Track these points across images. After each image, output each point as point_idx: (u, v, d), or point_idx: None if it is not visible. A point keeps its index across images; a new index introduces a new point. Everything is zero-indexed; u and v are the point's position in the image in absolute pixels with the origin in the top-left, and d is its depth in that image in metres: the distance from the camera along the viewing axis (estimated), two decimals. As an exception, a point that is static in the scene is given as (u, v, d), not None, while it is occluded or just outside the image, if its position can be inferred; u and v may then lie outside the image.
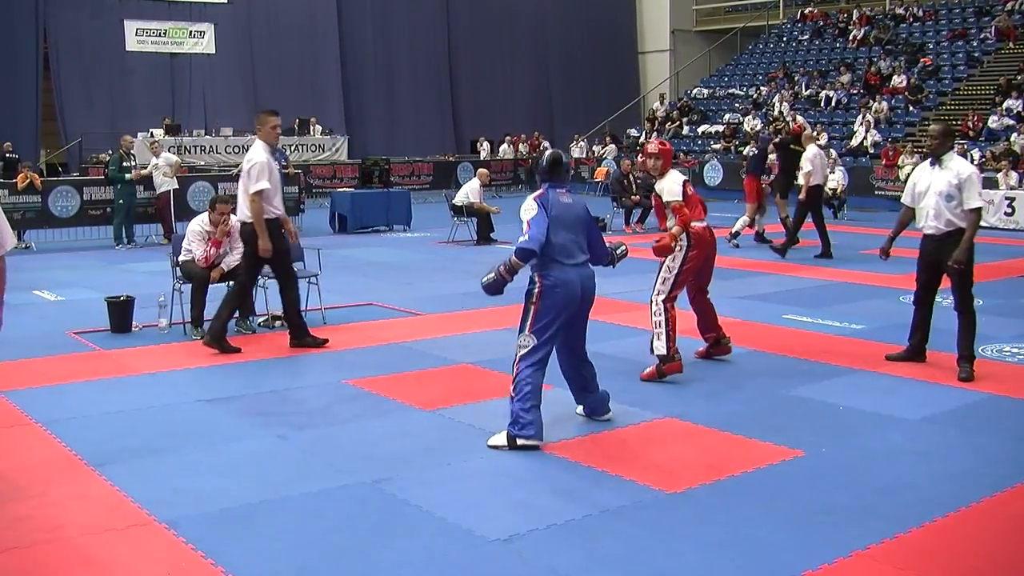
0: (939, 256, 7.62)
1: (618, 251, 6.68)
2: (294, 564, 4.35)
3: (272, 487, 5.29)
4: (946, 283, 7.78)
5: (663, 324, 7.50)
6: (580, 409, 6.56)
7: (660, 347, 7.51)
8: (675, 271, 7.60)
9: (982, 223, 19.56)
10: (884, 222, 19.40)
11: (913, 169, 8.92)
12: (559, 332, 6.05)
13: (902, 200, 8.08)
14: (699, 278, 7.99)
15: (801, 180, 14.54)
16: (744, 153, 16.12)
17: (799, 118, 26.54)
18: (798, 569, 4.28)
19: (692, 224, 7.61)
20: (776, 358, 8.28)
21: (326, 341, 8.73)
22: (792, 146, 15.47)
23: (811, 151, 14.69)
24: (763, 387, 7.35)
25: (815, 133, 24.86)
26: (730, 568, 4.34)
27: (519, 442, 5.92)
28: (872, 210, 21.58)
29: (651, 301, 7.63)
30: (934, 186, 7.63)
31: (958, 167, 7.58)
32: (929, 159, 7.86)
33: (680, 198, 7.62)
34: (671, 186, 7.70)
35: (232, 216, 9.08)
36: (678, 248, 7.61)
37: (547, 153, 6.42)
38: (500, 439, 5.98)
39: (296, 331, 8.75)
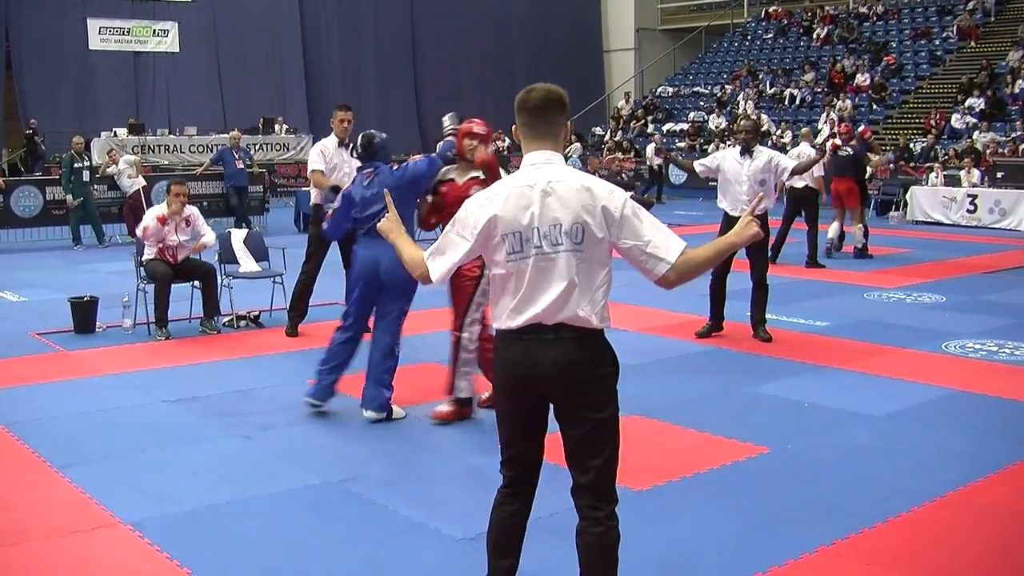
0: None
1: None
2: (260, 565, 4.33)
3: (238, 488, 5.26)
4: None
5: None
6: None
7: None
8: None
9: (945, 220, 19.38)
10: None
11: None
12: (359, 302, 6.48)
13: None
14: None
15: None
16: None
17: (763, 116, 26.72)
18: (765, 566, 4.30)
19: None
20: (741, 355, 8.31)
21: None
22: (868, 153, 15.13)
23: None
24: (728, 384, 7.37)
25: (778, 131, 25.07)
26: (696, 566, 4.36)
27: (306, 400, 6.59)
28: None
29: None
30: None
31: None
32: None
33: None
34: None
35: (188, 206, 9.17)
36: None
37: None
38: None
39: None
